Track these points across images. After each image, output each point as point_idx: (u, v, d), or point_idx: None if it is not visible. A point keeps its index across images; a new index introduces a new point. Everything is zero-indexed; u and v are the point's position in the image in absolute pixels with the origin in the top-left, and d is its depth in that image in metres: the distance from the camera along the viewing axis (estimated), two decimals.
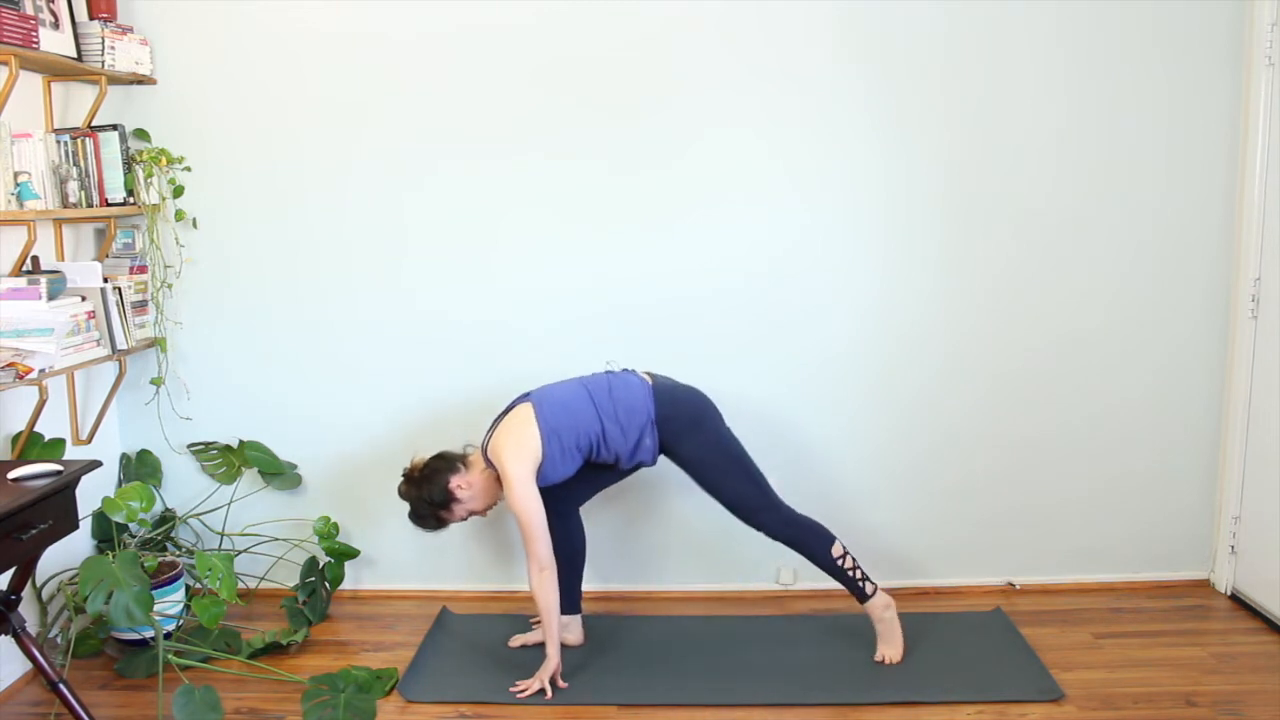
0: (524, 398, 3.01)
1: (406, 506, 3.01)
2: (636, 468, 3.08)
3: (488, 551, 3.65)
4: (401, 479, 3.01)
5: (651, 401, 2.96)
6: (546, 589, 2.86)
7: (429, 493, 2.93)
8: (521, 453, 2.87)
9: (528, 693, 2.87)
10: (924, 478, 3.57)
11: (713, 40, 3.36)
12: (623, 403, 2.96)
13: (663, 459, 3.04)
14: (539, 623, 3.27)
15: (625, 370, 3.10)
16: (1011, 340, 3.50)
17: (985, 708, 2.79)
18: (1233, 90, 3.36)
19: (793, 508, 3.03)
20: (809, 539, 3.03)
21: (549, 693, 2.86)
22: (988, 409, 3.53)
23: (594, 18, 3.35)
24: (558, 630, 2.92)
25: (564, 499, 3.10)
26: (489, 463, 2.96)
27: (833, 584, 3.20)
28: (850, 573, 3.04)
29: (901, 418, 3.54)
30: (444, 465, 2.97)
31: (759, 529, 3.03)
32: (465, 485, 2.95)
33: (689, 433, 2.97)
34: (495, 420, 3.02)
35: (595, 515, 3.38)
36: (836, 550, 3.03)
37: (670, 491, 3.54)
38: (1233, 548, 3.49)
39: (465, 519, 3.02)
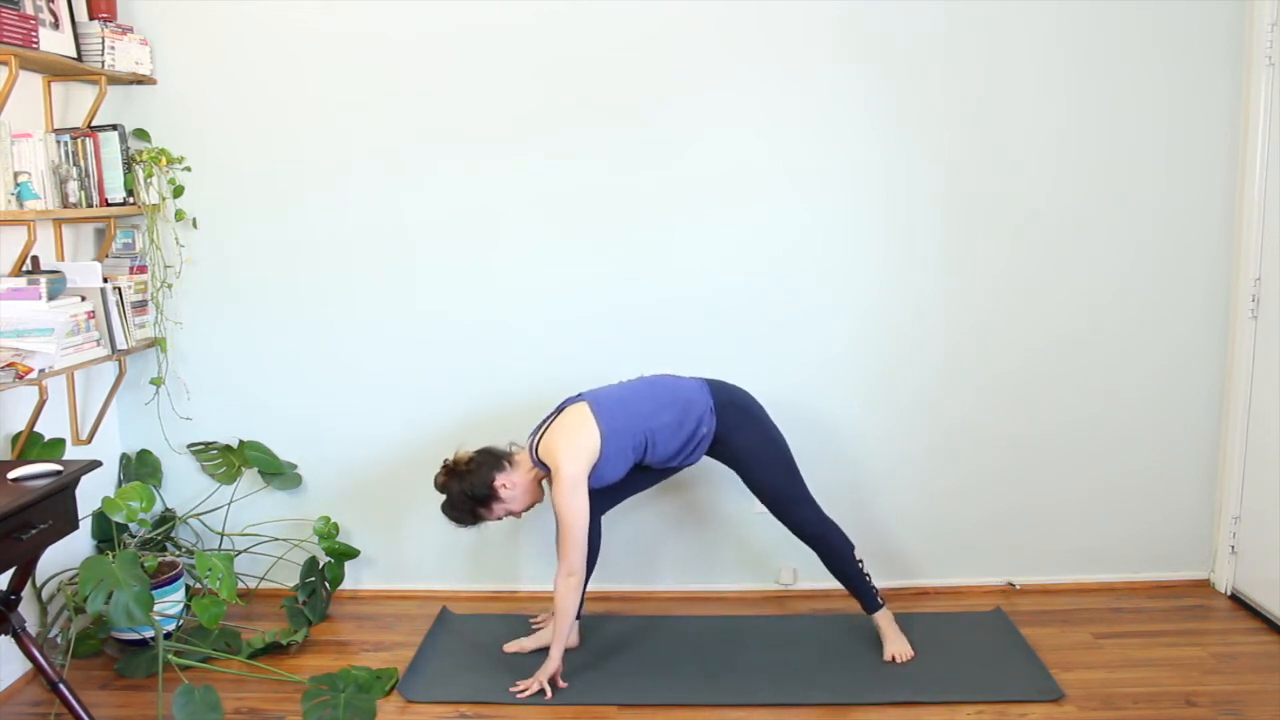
0: (576, 398, 2.99)
1: (442, 498, 2.97)
2: (676, 469, 3.09)
3: (488, 551, 3.64)
4: (441, 470, 2.97)
5: (708, 392, 2.99)
6: (571, 595, 2.86)
7: (471, 487, 2.90)
8: (579, 452, 2.85)
9: (528, 693, 2.87)
10: (924, 478, 3.57)
11: (713, 40, 3.36)
12: (680, 395, 2.97)
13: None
14: (539, 625, 3.27)
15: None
16: (1011, 340, 3.50)
17: (985, 708, 2.79)
18: (1233, 90, 3.36)
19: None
20: (837, 541, 3.06)
21: (549, 693, 2.86)
22: (988, 409, 3.53)
23: (594, 18, 3.35)
24: (566, 635, 2.92)
25: (594, 506, 3.08)
26: (536, 463, 2.94)
27: (833, 584, 3.20)
28: (867, 578, 3.08)
29: (902, 418, 3.54)
30: (490, 461, 2.94)
31: (796, 525, 3.06)
32: (509, 484, 2.93)
33: (743, 424, 3.00)
34: (544, 421, 3.00)
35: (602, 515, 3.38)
36: (857, 556, 3.07)
37: (670, 492, 3.54)
38: (1233, 548, 3.49)
39: (501, 519, 3.00)
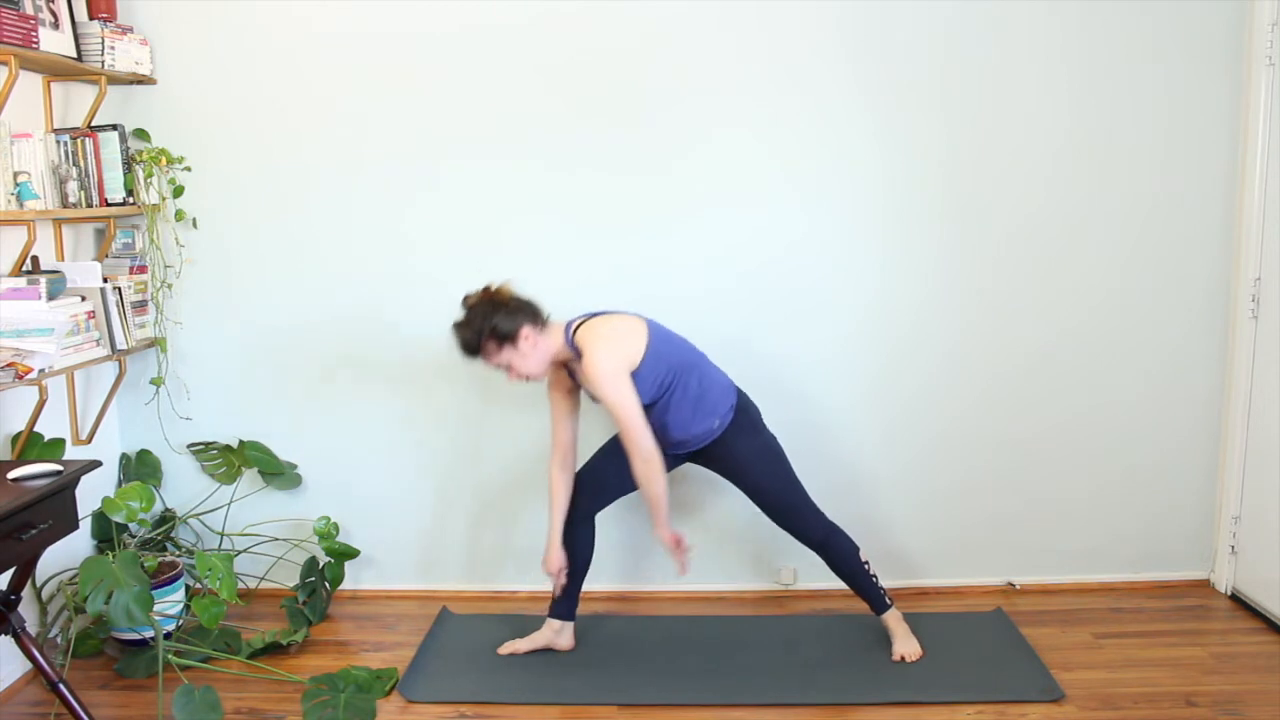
0: (627, 312, 2.96)
1: (461, 315, 2.87)
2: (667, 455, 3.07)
3: (487, 551, 3.65)
4: (480, 290, 2.87)
5: (734, 393, 3.00)
6: (657, 479, 2.84)
7: (498, 321, 2.79)
8: (617, 350, 2.80)
9: (683, 568, 2.99)
10: (924, 478, 3.57)
11: (713, 41, 3.35)
12: (717, 380, 2.97)
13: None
14: (537, 631, 3.23)
15: None
16: (1011, 340, 3.50)
17: (985, 708, 2.79)
18: (1233, 90, 3.36)
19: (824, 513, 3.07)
20: (841, 544, 3.06)
21: (685, 563, 2.98)
22: (988, 409, 3.53)
23: (594, 18, 3.35)
24: (667, 519, 2.93)
25: (586, 504, 3.08)
26: (569, 343, 2.87)
27: (833, 584, 3.20)
28: (874, 579, 3.08)
29: (901, 417, 3.54)
30: (529, 310, 2.85)
31: (799, 533, 3.06)
32: (532, 340, 2.83)
33: (750, 431, 3.00)
34: (588, 315, 2.94)
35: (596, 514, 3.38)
36: (862, 557, 3.07)
37: (670, 492, 3.52)
38: (1233, 548, 3.49)
39: (499, 367, 2.88)
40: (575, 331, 2.87)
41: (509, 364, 2.85)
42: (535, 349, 2.84)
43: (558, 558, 3.06)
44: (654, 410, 2.92)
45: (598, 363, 2.78)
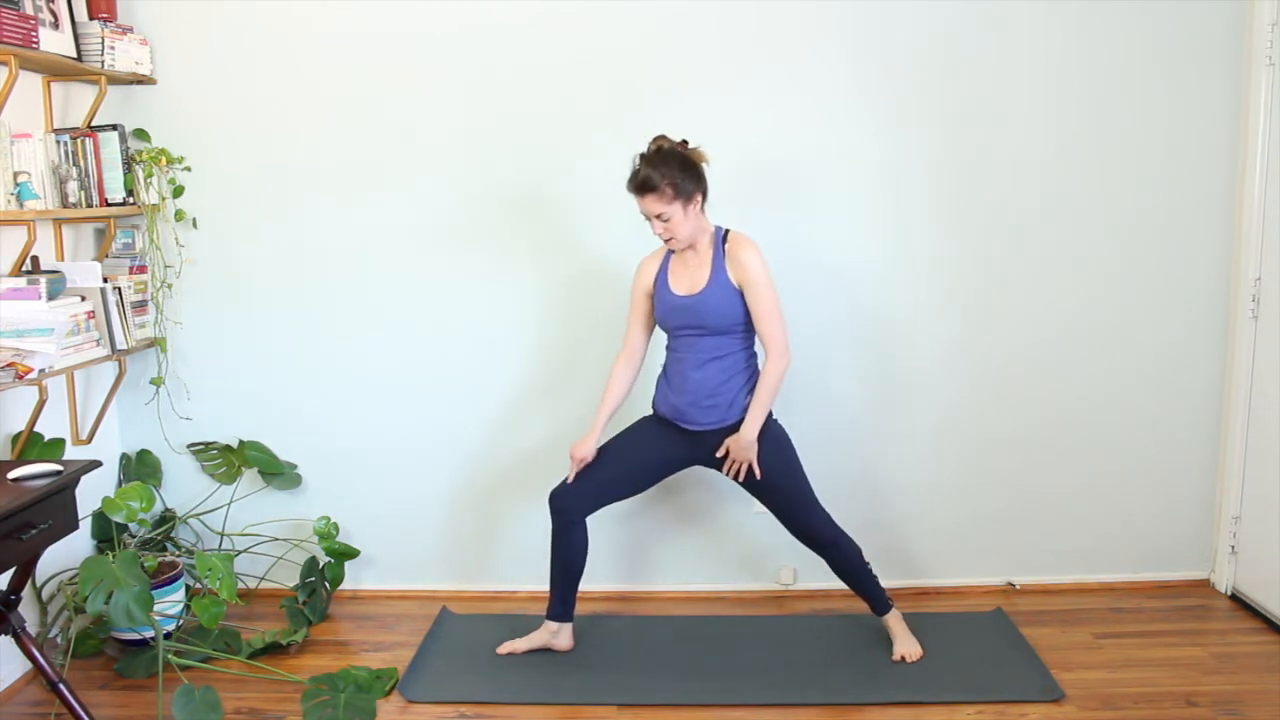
0: None
1: (652, 147, 2.88)
2: (686, 431, 3.05)
3: (487, 551, 3.65)
4: (676, 141, 2.89)
5: None
6: (781, 382, 2.94)
7: (689, 177, 2.84)
8: (766, 262, 2.91)
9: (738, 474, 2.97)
10: (923, 478, 3.57)
11: (713, 41, 3.35)
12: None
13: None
14: (535, 631, 3.22)
15: None
16: (1011, 340, 3.50)
17: (985, 708, 2.79)
18: (1233, 90, 3.36)
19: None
20: (848, 547, 3.06)
21: (759, 473, 2.95)
22: (987, 409, 3.53)
23: (594, 18, 3.35)
24: (764, 418, 2.94)
25: (577, 507, 3.07)
26: (720, 235, 2.95)
27: (833, 584, 3.21)
28: (875, 579, 3.09)
29: (900, 417, 3.54)
30: (706, 186, 2.90)
31: (806, 532, 3.05)
32: (698, 209, 2.89)
33: (771, 424, 3.01)
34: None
35: (596, 514, 3.38)
36: (865, 559, 3.08)
37: (670, 492, 3.54)
38: (1233, 548, 3.49)
39: (656, 216, 2.85)
40: (727, 230, 2.97)
41: (670, 217, 2.86)
42: (696, 219, 2.90)
43: (589, 447, 3.04)
44: (731, 357, 2.95)
45: (757, 252, 2.90)
